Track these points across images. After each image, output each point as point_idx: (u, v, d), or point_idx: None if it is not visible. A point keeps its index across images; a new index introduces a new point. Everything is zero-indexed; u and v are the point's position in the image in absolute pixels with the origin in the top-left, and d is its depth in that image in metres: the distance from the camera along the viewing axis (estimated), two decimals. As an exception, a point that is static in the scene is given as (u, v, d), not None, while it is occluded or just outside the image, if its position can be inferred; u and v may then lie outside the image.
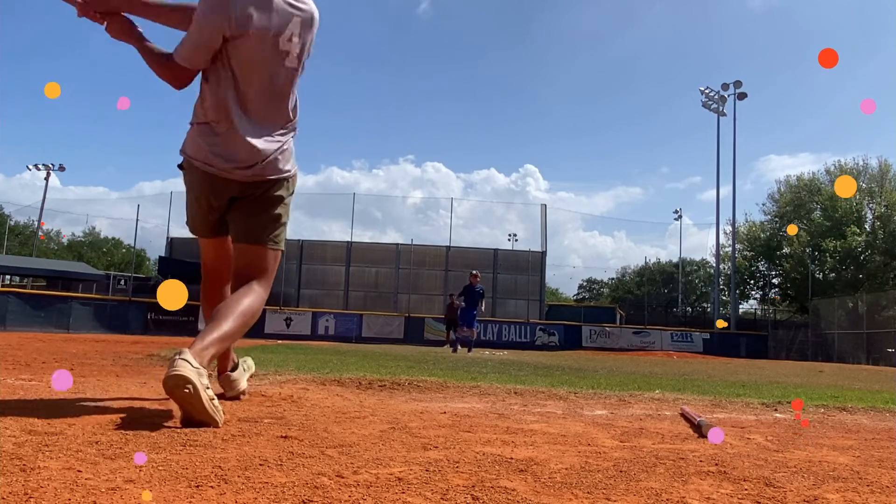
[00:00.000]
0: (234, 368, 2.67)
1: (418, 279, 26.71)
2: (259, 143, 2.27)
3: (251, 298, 2.25)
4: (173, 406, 2.10)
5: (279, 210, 2.38)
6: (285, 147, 2.36)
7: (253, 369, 2.87)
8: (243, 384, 2.67)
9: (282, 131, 2.35)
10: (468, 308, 13.77)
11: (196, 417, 1.87)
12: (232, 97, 2.23)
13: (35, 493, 1.13)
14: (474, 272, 14.12)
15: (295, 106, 2.39)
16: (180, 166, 2.37)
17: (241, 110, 2.25)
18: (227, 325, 2.10)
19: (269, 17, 2.20)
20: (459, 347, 13.89)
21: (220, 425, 1.91)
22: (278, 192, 2.36)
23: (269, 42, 2.22)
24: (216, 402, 1.92)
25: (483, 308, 14.15)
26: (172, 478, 1.29)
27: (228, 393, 2.61)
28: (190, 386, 1.82)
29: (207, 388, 1.89)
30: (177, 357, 1.87)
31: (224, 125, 2.25)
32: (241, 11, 2.16)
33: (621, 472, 1.57)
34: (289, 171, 2.38)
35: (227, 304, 2.21)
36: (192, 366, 1.86)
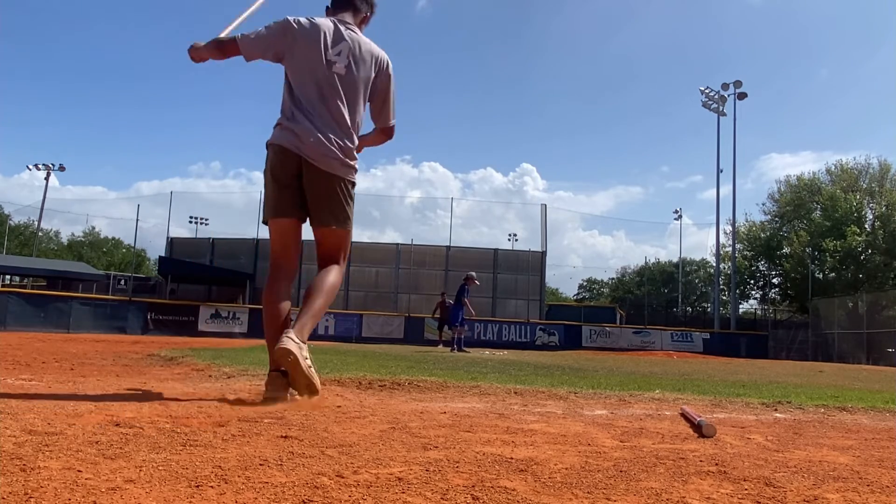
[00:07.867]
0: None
1: (418, 279, 26.68)
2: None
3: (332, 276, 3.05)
4: (173, 406, 2.09)
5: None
6: None
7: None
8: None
9: None
10: (455, 307, 14.29)
11: (298, 380, 2.49)
12: None
13: (35, 493, 1.13)
14: (469, 274, 14.57)
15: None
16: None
17: None
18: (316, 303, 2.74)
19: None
20: (455, 347, 13.95)
21: (319, 389, 2.58)
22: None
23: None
24: (313, 368, 2.55)
25: (468, 308, 14.26)
26: (172, 478, 1.29)
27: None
28: (291, 356, 2.43)
29: (306, 357, 2.50)
30: (283, 336, 2.48)
31: None
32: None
33: (621, 472, 1.56)
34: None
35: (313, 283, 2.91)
36: (294, 341, 2.47)
